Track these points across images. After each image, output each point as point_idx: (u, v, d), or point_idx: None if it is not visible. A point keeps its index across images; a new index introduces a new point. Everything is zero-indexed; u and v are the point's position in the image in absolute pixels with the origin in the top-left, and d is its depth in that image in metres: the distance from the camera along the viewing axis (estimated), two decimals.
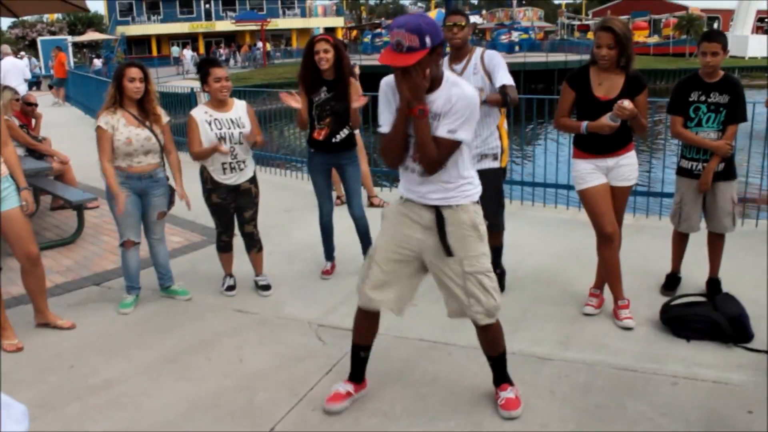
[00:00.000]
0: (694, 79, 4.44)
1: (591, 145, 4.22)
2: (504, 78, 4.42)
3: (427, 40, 2.81)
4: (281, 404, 3.47)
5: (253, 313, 4.71)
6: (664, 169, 6.74)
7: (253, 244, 5.10)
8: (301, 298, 4.92)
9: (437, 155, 2.99)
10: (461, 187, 3.15)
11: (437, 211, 3.14)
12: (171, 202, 4.94)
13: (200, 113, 4.78)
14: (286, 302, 4.86)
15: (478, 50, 4.57)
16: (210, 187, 4.86)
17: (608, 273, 4.36)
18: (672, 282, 4.77)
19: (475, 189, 3.21)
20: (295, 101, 4.87)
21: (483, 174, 4.60)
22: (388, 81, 3.13)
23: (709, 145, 4.37)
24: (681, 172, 4.58)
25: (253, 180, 4.98)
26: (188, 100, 11.65)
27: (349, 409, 3.41)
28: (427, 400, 3.47)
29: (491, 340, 3.34)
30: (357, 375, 3.51)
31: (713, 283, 4.63)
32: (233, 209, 4.97)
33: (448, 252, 3.14)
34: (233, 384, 3.72)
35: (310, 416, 3.37)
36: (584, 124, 4.11)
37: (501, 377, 3.43)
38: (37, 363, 4.05)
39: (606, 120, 3.98)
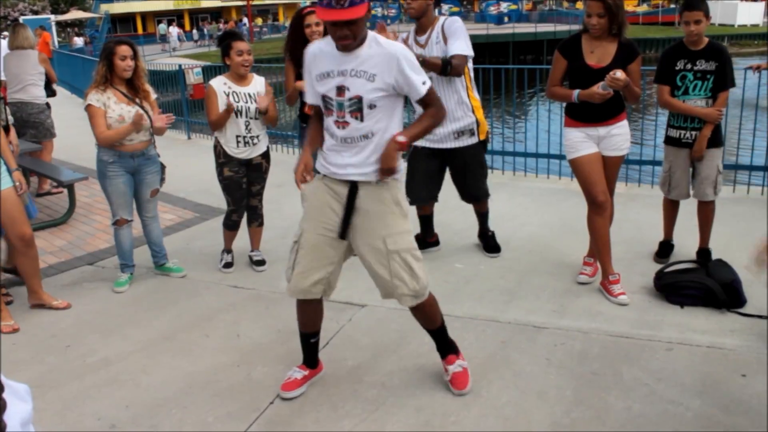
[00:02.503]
0: (679, 47, 4.43)
1: (582, 114, 4.21)
2: (457, 47, 4.37)
3: None
4: (279, 378, 3.47)
5: (248, 289, 4.71)
6: (656, 137, 6.74)
7: (255, 218, 5.12)
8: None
9: (441, 106, 3.09)
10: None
11: (352, 186, 3.02)
12: (163, 179, 4.92)
13: (219, 84, 4.77)
14: (281, 277, 4.78)
15: (441, 19, 4.56)
16: (222, 160, 4.85)
17: (598, 245, 4.33)
18: (665, 249, 4.80)
19: (400, 166, 3.06)
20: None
21: (462, 152, 4.65)
22: (310, 51, 3.06)
23: (698, 113, 4.36)
24: (669, 141, 4.59)
25: (266, 155, 4.99)
26: (176, 78, 11.56)
27: (346, 380, 3.44)
28: (424, 371, 3.49)
29: (426, 316, 3.25)
30: (310, 360, 3.43)
31: (704, 252, 4.65)
32: (245, 184, 4.96)
33: (342, 233, 3.04)
34: (231, 359, 3.73)
35: (308, 390, 3.38)
36: (576, 92, 4.10)
37: (445, 348, 3.36)
38: (34, 343, 4.05)
39: (598, 88, 3.97)
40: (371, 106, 2.91)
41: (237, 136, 4.77)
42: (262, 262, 5.09)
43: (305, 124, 5.02)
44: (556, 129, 7.36)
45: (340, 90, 2.93)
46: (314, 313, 3.31)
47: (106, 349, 3.94)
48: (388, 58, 2.87)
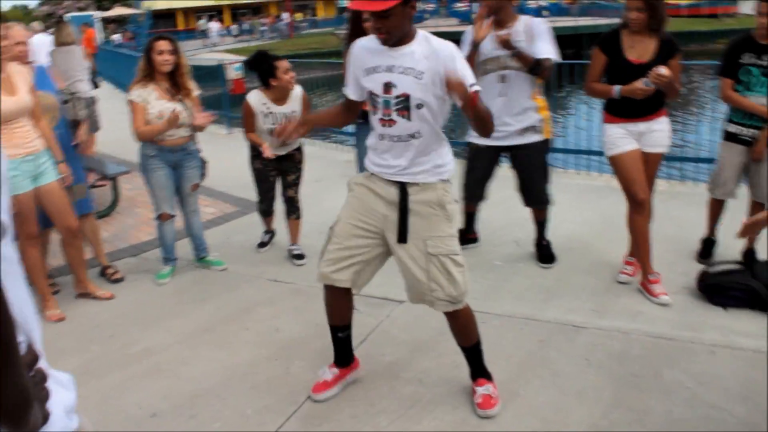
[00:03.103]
0: (747, 40, 4.24)
1: (622, 110, 4.14)
2: (544, 50, 4.28)
3: None
4: (317, 373, 3.49)
5: (287, 283, 4.75)
6: (701, 133, 6.63)
7: (293, 210, 5.19)
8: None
9: (488, 116, 2.87)
10: (431, 162, 2.93)
11: (402, 188, 2.97)
12: (203, 174, 4.99)
13: (258, 103, 4.88)
14: None
15: (523, 18, 4.45)
16: (254, 153, 5.02)
17: (638, 243, 4.27)
18: (707, 247, 4.69)
19: (447, 167, 2.99)
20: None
21: (526, 148, 4.57)
22: (357, 45, 3.00)
23: (759, 111, 4.19)
24: (726, 136, 4.43)
25: (299, 148, 5.09)
26: (216, 73, 11.68)
27: (384, 377, 3.45)
28: (461, 368, 3.47)
29: (461, 328, 3.15)
30: (341, 358, 3.38)
31: (750, 253, 4.55)
32: (274, 177, 5.09)
33: (402, 237, 2.97)
34: (269, 353, 3.77)
35: (346, 384, 3.40)
36: (617, 88, 4.03)
37: (477, 370, 3.24)
38: (79, 332, 4.14)
39: (640, 84, 3.91)
40: (419, 106, 2.82)
41: (270, 144, 4.92)
42: (301, 256, 5.14)
43: (362, 120, 5.04)
44: (596, 125, 7.27)
45: (387, 87, 2.85)
46: (342, 304, 3.25)
47: (147, 339, 4.01)
48: (437, 56, 2.78)
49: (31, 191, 4.13)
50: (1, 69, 4.02)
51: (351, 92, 3.10)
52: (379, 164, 3.02)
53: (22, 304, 1.03)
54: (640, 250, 4.27)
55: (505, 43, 4.15)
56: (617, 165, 4.23)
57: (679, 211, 5.70)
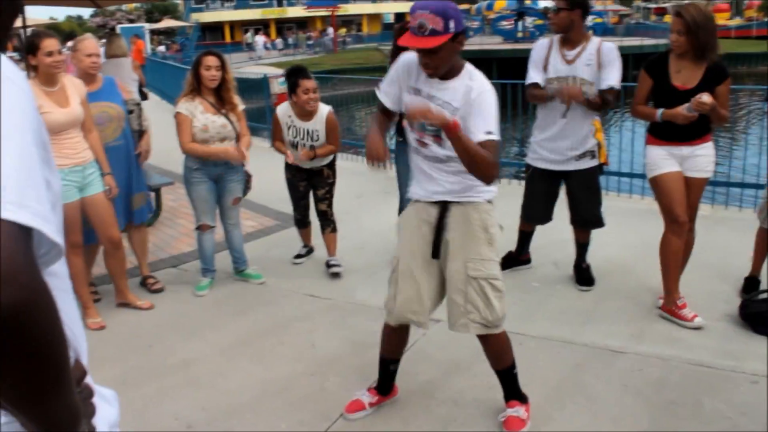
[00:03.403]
0: None
1: (665, 132, 4.10)
2: (609, 79, 4.27)
3: (451, 24, 2.68)
4: (352, 389, 3.51)
5: (324, 299, 4.78)
6: (746, 157, 6.51)
7: (326, 224, 5.25)
8: (372, 285, 4.95)
9: (493, 161, 2.72)
10: (470, 182, 2.91)
11: (443, 206, 3.01)
12: (247, 188, 5.06)
13: (284, 116, 5.05)
14: (357, 288, 4.91)
15: (595, 40, 4.41)
16: (286, 163, 5.18)
17: (668, 266, 4.18)
18: (751, 286, 4.50)
19: (489, 188, 2.96)
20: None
21: (581, 174, 4.54)
22: (406, 59, 3.00)
23: None
24: None
25: (328, 165, 5.15)
26: (260, 86, 11.83)
27: (418, 396, 3.44)
28: (496, 390, 3.44)
29: (495, 353, 3.12)
30: (384, 387, 3.39)
31: None
32: (303, 188, 5.21)
33: (435, 253, 3.01)
34: (305, 368, 3.79)
35: (354, 420, 3.38)
36: (659, 111, 4.00)
37: (509, 393, 3.19)
38: (119, 342, 4.22)
39: (682, 110, 3.87)
40: None
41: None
42: (337, 275, 5.16)
43: (402, 138, 5.06)
44: (639, 147, 7.19)
45: None
46: (401, 340, 3.28)
47: (185, 350, 4.06)
48: (470, 91, 2.80)
49: (77, 201, 4.24)
50: (56, 81, 4.15)
51: (389, 102, 3.08)
52: (421, 188, 3.08)
53: (71, 320, 1.06)
54: (669, 272, 4.19)
55: (575, 96, 4.19)
56: (658, 186, 4.19)
57: (722, 237, 5.60)
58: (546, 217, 4.81)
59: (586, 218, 4.71)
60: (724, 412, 3.20)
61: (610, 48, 4.35)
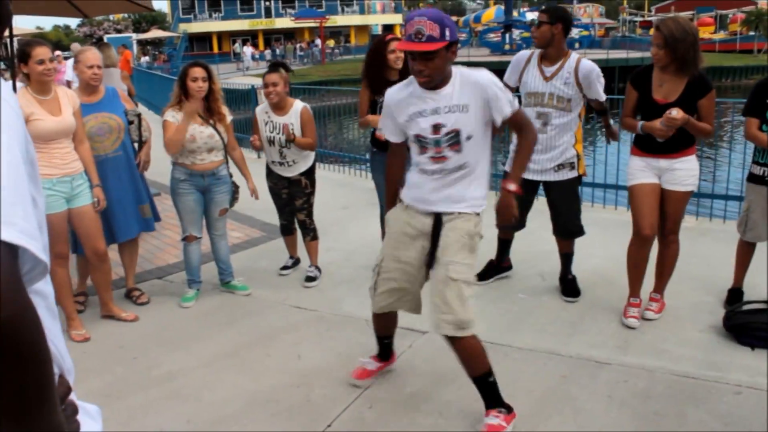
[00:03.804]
0: None
1: (646, 144, 4.16)
2: (601, 94, 4.45)
3: (447, 33, 2.84)
4: (338, 401, 3.51)
5: (311, 310, 4.77)
6: (729, 170, 6.57)
7: (307, 232, 5.32)
8: (359, 296, 4.93)
9: (532, 127, 3.20)
10: (472, 194, 3.13)
11: (437, 218, 3.14)
12: (235, 199, 5.05)
13: (262, 112, 5.11)
14: (344, 300, 4.90)
15: (574, 57, 4.46)
16: (266, 171, 5.25)
17: (631, 273, 4.38)
18: (734, 298, 4.53)
19: (483, 200, 3.18)
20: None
21: (560, 185, 4.59)
22: (391, 94, 3.19)
23: None
24: (752, 178, 4.36)
25: (306, 173, 5.17)
26: (248, 97, 11.84)
27: (404, 408, 3.44)
28: (482, 402, 3.45)
29: (467, 358, 3.12)
30: (384, 354, 3.72)
31: None
32: (286, 195, 5.26)
33: (430, 263, 3.16)
34: (291, 380, 3.78)
35: (366, 413, 3.40)
36: (640, 123, 4.07)
37: (489, 401, 3.19)
38: (103, 354, 4.19)
39: (658, 124, 3.92)
40: (469, 137, 3.02)
41: (272, 161, 5.13)
42: (312, 279, 5.24)
43: (376, 149, 5.10)
44: (624, 159, 7.23)
45: (436, 128, 3.03)
46: (388, 322, 3.57)
47: (170, 362, 4.04)
48: (474, 86, 2.98)
49: (64, 212, 4.23)
50: (49, 90, 4.19)
51: (394, 138, 3.28)
52: (417, 197, 3.18)
53: (55, 337, 1.06)
54: (630, 277, 4.39)
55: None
56: (631, 196, 4.29)
57: (707, 249, 5.64)
58: (521, 224, 4.83)
59: (568, 228, 4.77)
60: (708, 423, 3.22)
61: (589, 68, 4.39)
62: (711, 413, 3.30)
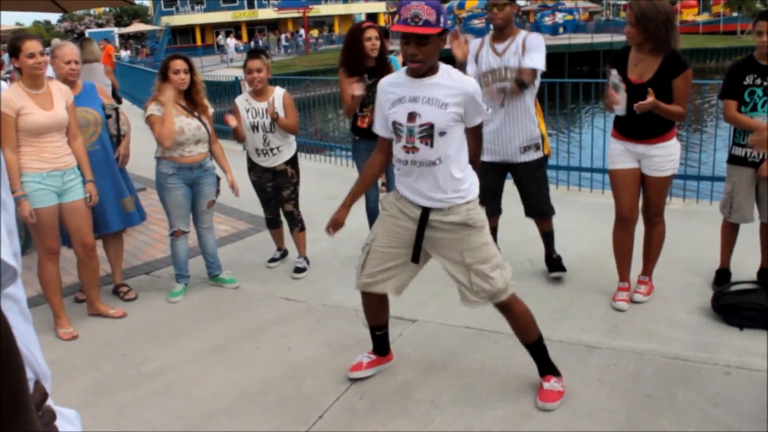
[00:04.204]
0: (748, 61, 4.24)
1: (624, 128, 4.17)
2: (532, 61, 4.39)
3: (441, 19, 2.88)
4: (329, 392, 3.50)
5: (300, 302, 4.75)
6: (715, 152, 6.58)
7: (294, 224, 5.28)
8: (348, 287, 4.90)
9: (481, 143, 3.27)
10: (452, 188, 3.11)
11: (424, 212, 3.15)
12: (217, 191, 5.03)
13: (242, 101, 5.09)
14: (333, 290, 4.89)
15: (523, 33, 4.53)
16: (249, 165, 5.19)
17: (616, 256, 4.42)
18: (722, 278, 4.55)
19: (470, 188, 3.18)
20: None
21: (527, 166, 4.61)
22: (382, 85, 3.19)
23: None
24: (733, 159, 4.37)
25: (290, 162, 5.15)
26: (233, 89, 11.76)
27: (396, 397, 3.43)
28: (473, 389, 3.47)
29: (519, 325, 3.34)
30: (380, 349, 3.64)
31: (765, 273, 4.49)
32: (271, 188, 5.21)
33: (415, 258, 3.21)
34: (281, 372, 3.77)
35: (358, 404, 3.39)
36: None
37: (543, 367, 3.38)
38: (91, 351, 4.16)
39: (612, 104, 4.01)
40: (442, 134, 3.02)
41: (256, 149, 5.07)
42: (301, 270, 5.23)
43: (358, 137, 5.09)
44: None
45: (412, 116, 3.03)
46: (378, 307, 3.50)
47: (160, 358, 4.02)
48: (461, 92, 3.01)
49: (55, 206, 4.21)
50: (41, 84, 4.17)
51: (381, 131, 3.27)
52: (405, 186, 3.20)
53: (29, 342, 1.03)
54: (617, 261, 4.42)
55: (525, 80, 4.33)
56: (611, 180, 4.36)
57: (694, 230, 5.66)
58: (497, 209, 4.84)
59: (540, 208, 4.82)
60: (698, 404, 3.23)
61: (535, 36, 4.53)
62: (701, 394, 3.31)
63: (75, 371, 3.89)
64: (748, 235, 4.56)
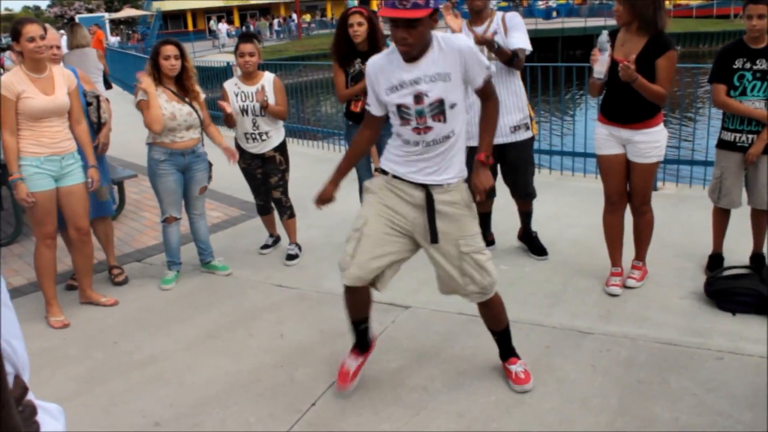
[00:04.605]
0: (738, 45, 4.21)
1: (608, 111, 4.17)
2: (519, 41, 4.41)
3: (431, 0, 2.78)
4: (322, 379, 3.49)
5: (292, 288, 4.74)
6: (709, 136, 6.57)
7: (283, 211, 5.26)
8: (340, 273, 4.91)
9: (496, 96, 3.11)
10: (459, 162, 3.07)
11: (427, 191, 3.05)
12: (210, 177, 5.00)
13: (231, 85, 5.05)
14: (326, 277, 4.87)
15: (499, 14, 4.58)
16: (239, 152, 5.10)
17: (607, 240, 4.44)
18: (715, 263, 4.55)
19: (464, 165, 3.13)
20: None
21: (517, 146, 4.62)
22: (372, 65, 3.08)
23: (758, 115, 4.13)
24: (722, 144, 4.35)
25: (279, 149, 5.12)
26: (224, 74, 11.70)
27: (389, 384, 3.43)
28: (466, 375, 3.47)
29: (494, 315, 3.32)
30: (362, 344, 3.45)
31: (758, 258, 4.50)
32: (261, 175, 5.19)
33: (434, 238, 3.05)
34: (274, 360, 3.75)
35: (350, 392, 3.38)
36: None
37: (508, 351, 3.41)
38: (83, 339, 4.14)
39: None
40: (452, 106, 2.94)
41: (245, 134, 5.03)
42: (293, 257, 5.22)
43: (351, 122, 5.07)
44: None
45: (419, 98, 2.93)
46: (362, 301, 3.30)
47: (152, 346, 4.00)
48: (455, 53, 2.90)
49: (52, 190, 4.20)
50: (43, 68, 4.16)
51: (376, 110, 3.17)
52: (405, 169, 3.08)
53: (10, 334, 1.01)
54: (608, 245, 4.44)
55: (486, 42, 4.16)
56: (599, 165, 4.40)
57: (687, 215, 5.65)
58: (491, 192, 4.83)
59: (526, 190, 4.88)
60: (690, 389, 3.23)
61: (513, 15, 4.58)
62: (693, 379, 3.31)
63: (67, 360, 3.87)
64: (741, 219, 4.56)
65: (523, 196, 4.91)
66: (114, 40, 39.57)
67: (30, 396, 1.05)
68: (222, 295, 4.70)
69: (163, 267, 5.06)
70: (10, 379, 0.93)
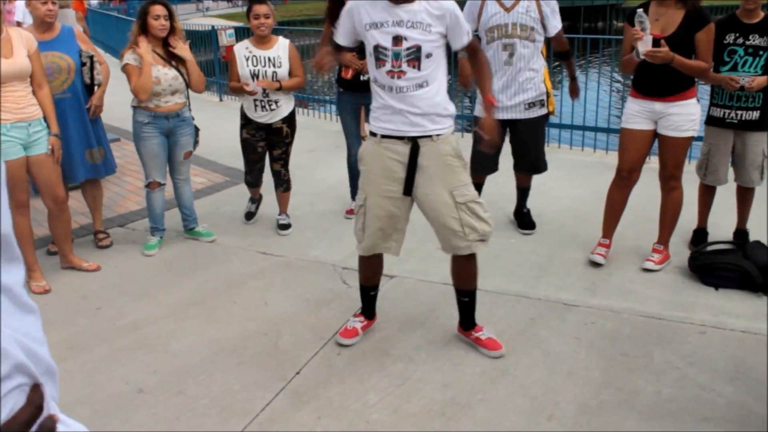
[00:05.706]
0: (730, 20, 4.17)
1: (642, 86, 4.09)
2: (558, 25, 4.50)
3: None
4: (306, 348, 3.48)
5: (277, 256, 4.71)
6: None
7: (280, 183, 5.15)
8: (326, 240, 4.90)
9: (482, 49, 3.25)
10: (441, 112, 3.12)
11: (413, 143, 3.11)
12: (196, 142, 4.93)
13: (241, 48, 4.87)
14: (311, 245, 4.85)
15: None
16: (243, 122, 4.97)
17: (607, 213, 4.41)
18: (699, 238, 4.59)
19: (453, 117, 3.21)
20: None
21: (529, 122, 4.57)
22: (356, 4, 3.13)
23: (719, 79, 4.09)
24: (711, 120, 4.32)
25: (287, 120, 4.97)
26: (209, 38, 11.52)
27: (373, 353, 3.43)
28: (451, 346, 3.47)
29: (472, 273, 3.36)
30: (369, 311, 3.62)
31: (741, 233, 4.53)
32: (262, 148, 5.02)
33: (407, 190, 3.17)
34: (258, 327, 3.74)
35: (335, 360, 3.38)
36: (635, 51, 3.90)
37: (471, 318, 3.47)
38: (65, 305, 4.09)
39: (633, 54, 3.89)
40: (428, 55, 3.03)
41: (255, 100, 4.83)
42: (286, 226, 5.13)
43: (342, 89, 5.01)
44: (591, 101, 7.20)
45: (397, 40, 3.02)
46: (375, 268, 3.49)
47: (135, 312, 3.97)
48: (441, 12, 3.01)
49: (22, 158, 4.07)
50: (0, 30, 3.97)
51: (343, 41, 3.28)
52: (389, 125, 3.14)
53: (25, 336, 0.87)
54: (606, 217, 4.41)
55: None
56: (620, 137, 4.30)
57: None
58: (494, 167, 4.82)
59: (534, 164, 4.85)
60: (673, 362, 3.26)
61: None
62: (676, 353, 3.34)
63: (49, 325, 3.79)
64: (727, 195, 4.58)
65: (530, 169, 4.88)
66: (95, 1, 38.76)
67: (51, 409, 0.90)
68: (206, 261, 4.66)
69: (146, 233, 5.00)
70: (22, 397, 0.82)
